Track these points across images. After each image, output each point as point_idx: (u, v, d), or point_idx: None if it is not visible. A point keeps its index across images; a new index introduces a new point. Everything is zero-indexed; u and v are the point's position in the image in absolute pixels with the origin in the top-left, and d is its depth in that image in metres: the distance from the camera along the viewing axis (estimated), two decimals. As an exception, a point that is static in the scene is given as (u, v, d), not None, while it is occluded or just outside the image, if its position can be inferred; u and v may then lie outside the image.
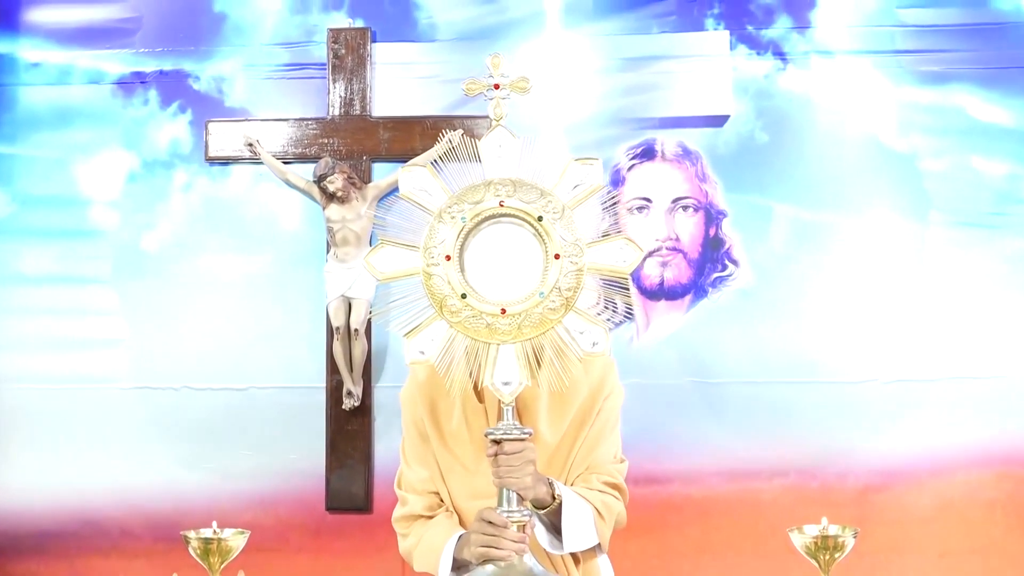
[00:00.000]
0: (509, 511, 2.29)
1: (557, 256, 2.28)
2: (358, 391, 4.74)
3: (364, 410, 4.78)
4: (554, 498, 2.37)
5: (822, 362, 4.76)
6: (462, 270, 2.30)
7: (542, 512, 2.39)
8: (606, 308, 2.32)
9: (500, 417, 2.31)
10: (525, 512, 2.30)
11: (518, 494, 2.29)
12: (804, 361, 4.76)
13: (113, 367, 4.91)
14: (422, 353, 2.28)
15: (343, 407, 4.75)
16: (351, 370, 4.73)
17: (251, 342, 4.87)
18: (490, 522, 2.28)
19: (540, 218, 2.30)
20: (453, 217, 2.31)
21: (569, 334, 2.27)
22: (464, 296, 2.28)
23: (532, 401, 2.46)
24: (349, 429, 4.79)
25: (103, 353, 4.91)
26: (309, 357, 4.85)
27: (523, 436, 2.29)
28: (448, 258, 2.30)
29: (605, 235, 2.33)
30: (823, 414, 4.74)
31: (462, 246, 2.31)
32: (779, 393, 4.74)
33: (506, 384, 2.27)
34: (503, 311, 2.27)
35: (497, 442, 2.29)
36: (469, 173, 2.34)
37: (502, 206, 2.31)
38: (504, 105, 2.36)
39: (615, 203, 2.40)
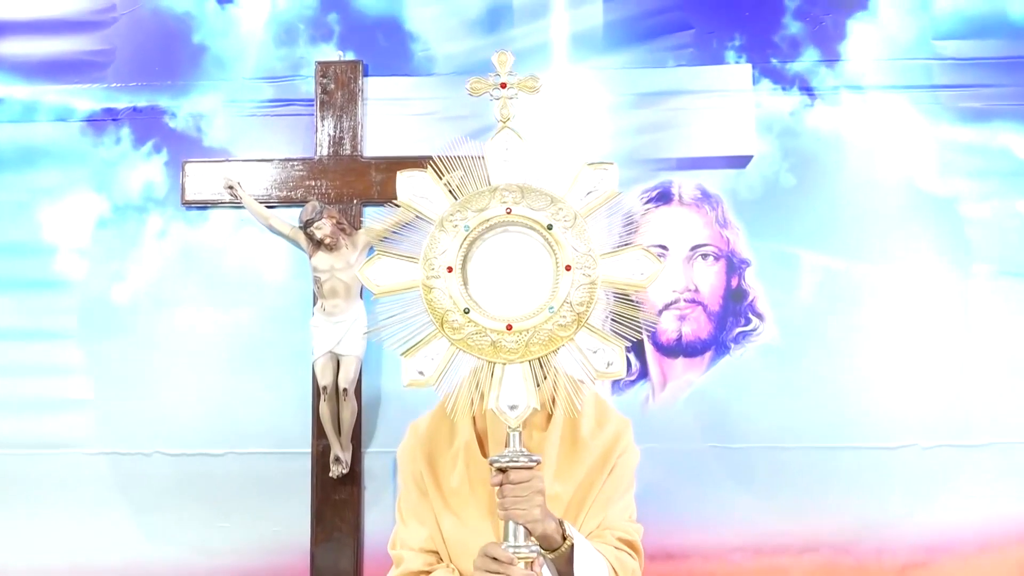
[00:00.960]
0: (515, 546, 2.24)
1: (568, 268, 2.26)
2: (347, 457, 4.66)
3: (353, 478, 4.70)
4: (564, 538, 2.31)
5: (856, 426, 4.69)
6: (465, 283, 2.29)
7: (550, 556, 2.33)
8: (615, 323, 2.28)
9: (506, 444, 2.28)
10: (533, 547, 2.25)
11: (525, 528, 2.24)
12: (836, 425, 4.69)
13: (78, 430, 4.84)
14: (421, 374, 2.26)
15: (330, 474, 4.68)
16: (339, 434, 4.66)
17: (230, 403, 4.80)
18: (494, 558, 2.23)
19: (550, 226, 2.28)
20: (455, 226, 2.30)
21: (581, 353, 2.24)
22: (467, 311, 2.27)
23: (541, 452, 2.40)
24: (337, 498, 4.71)
25: (67, 415, 4.84)
26: (293, 420, 4.78)
27: (531, 464, 2.25)
28: (450, 270, 2.29)
29: (623, 245, 2.30)
30: (858, 483, 4.67)
31: (465, 257, 2.30)
32: (809, 460, 4.68)
33: (512, 408, 2.24)
34: (509, 327, 2.26)
35: (502, 470, 2.25)
36: (474, 178, 2.33)
37: (509, 213, 2.30)
38: (511, 106, 2.34)
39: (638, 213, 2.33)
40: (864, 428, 4.68)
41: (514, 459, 2.24)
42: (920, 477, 4.65)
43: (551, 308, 2.24)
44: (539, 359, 2.24)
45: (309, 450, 4.73)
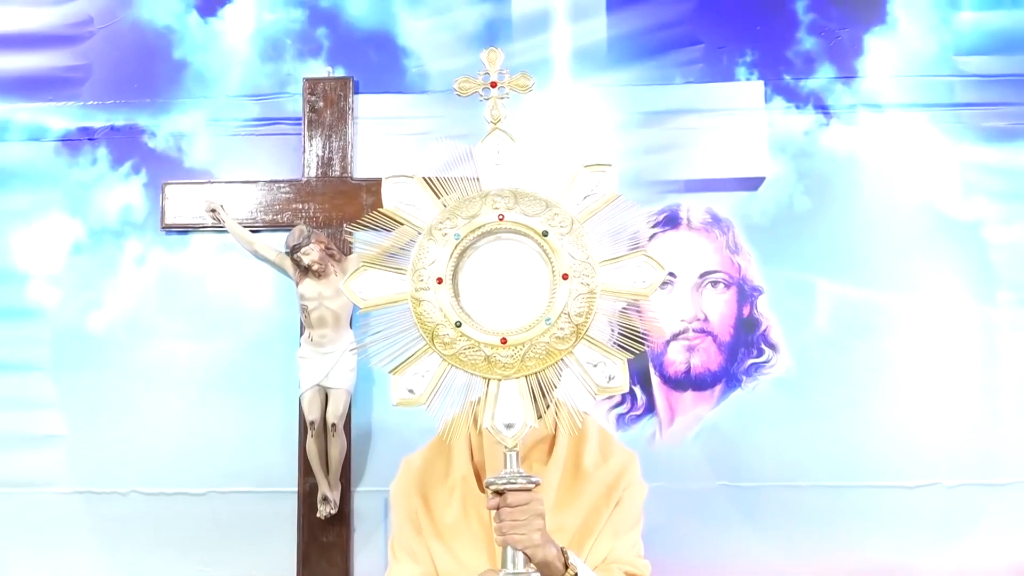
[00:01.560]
0: (514, 574, 2.21)
1: (565, 276, 2.24)
2: (335, 496, 4.63)
3: (342, 518, 4.66)
4: (566, 567, 2.30)
5: (874, 463, 4.65)
6: (456, 295, 2.27)
7: None
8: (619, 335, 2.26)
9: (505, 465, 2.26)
10: (533, 574, 2.23)
11: (524, 554, 2.21)
12: (853, 462, 4.65)
13: (50, 467, 4.81)
14: (411, 392, 2.25)
15: (318, 515, 4.63)
16: (327, 472, 4.62)
17: (211, 439, 4.77)
18: None
19: (545, 233, 2.26)
20: (445, 234, 2.28)
21: (581, 367, 2.22)
22: (459, 324, 2.25)
23: (542, 485, 2.38)
24: (324, 541, 4.66)
25: (39, 451, 4.81)
26: (279, 457, 4.75)
27: (529, 485, 2.23)
28: (440, 281, 2.27)
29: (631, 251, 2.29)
30: (876, 524, 4.62)
31: (456, 267, 2.28)
32: (824, 499, 4.64)
33: (509, 427, 2.21)
34: (504, 341, 2.23)
35: (499, 493, 2.23)
36: (463, 184, 2.31)
37: (502, 220, 2.27)
38: (502, 106, 2.33)
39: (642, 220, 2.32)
40: (883, 465, 4.64)
41: (512, 480, 2.22)
42: (943, 517, 4.60)
43: (548, 320, 2.22)
44: (536, 374, 2.22)
45: (295, 489, 4.69)
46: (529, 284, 2.25)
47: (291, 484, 4.69)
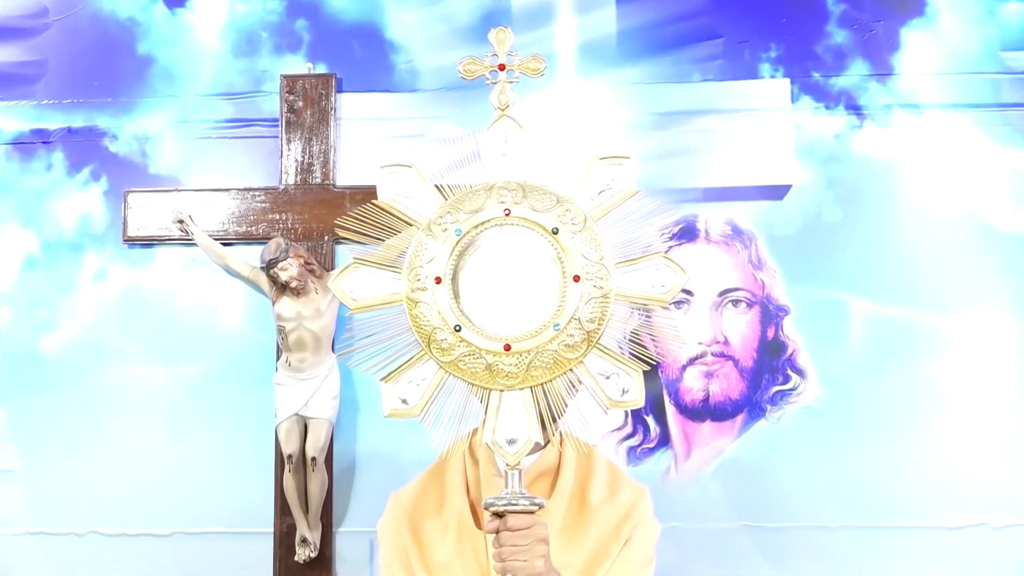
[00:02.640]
0: None
1: (577, 278, 2.20)
2: (315, 537, 4.59)
3: (323, 562, 4.63)
4: None
5: (913, 502, 4.61)
6: (456, 296, 2.23)
7: None
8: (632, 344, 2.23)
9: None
10: None
11: None
12: (890, 500, 4.61)
13: (0, 506, 4.78)
14: (404, 402, 2.21)
15: (296, 558, 4.59)
16: (306, 511, 4.59)
17: (178, 475, 4.74)
18: None
19: (555, 230, 2.22)
20: (445, 230, 2.24)
21: (592, 379, 2.18)
22: (458, 329, 2.21)
23: (544, 515, 2.33)
24: None
25: None
26: (253, 494, 4.71)
27: (532, 508, 2.18)
28: (438, 281, 2.23)
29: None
30: (915, 568, 4.57)
31: (456, 266, 2.24)
32: (857, 541, 4.59)
33: (511, 442, 2.17)
34: (507, 348, 2.19)
35: (499, 515, 2.19)
36: (466, 175, 2.29)
37: (508, 216, 2.24)
38: (511, 91, 2.30)
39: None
40: (923, 504, 4.61)
41: (513, 502, 2.17)
42: (989, 561, 4.56)
43: (556, 325, 2.18)
44: (543, 386, 2.18)
45: (271, 530, 4.67)
46: (536, 286, 2.22)
47: (267, 524, 4.66)
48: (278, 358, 4.64)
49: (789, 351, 4.71)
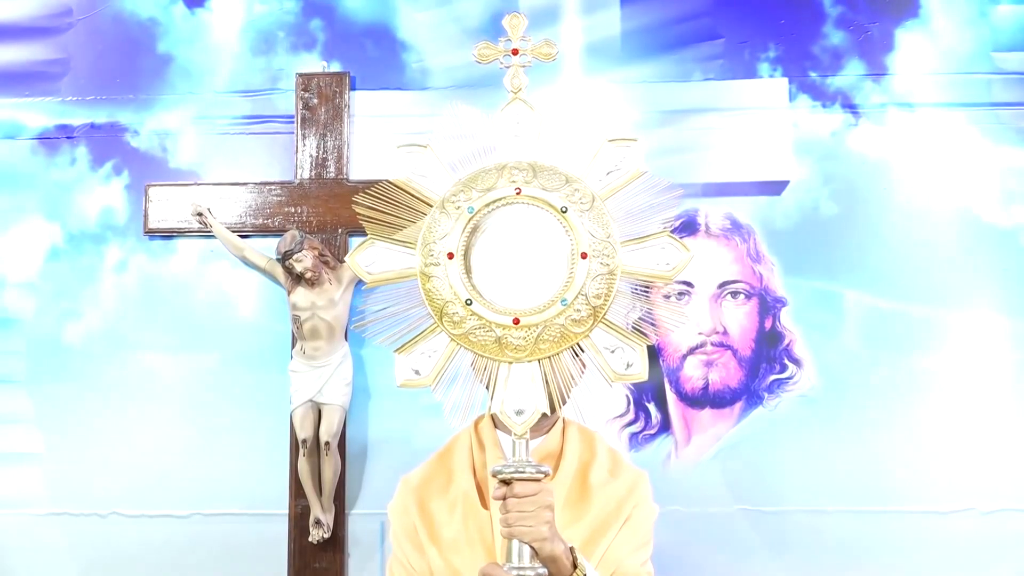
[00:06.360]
0: (520, 568, 2.21)
1: (584, 255, 2.24)
2: (328, 519, 4.64)
3: (336, 543, 4.68)
4: (575, 567, 2.28)
5: (906, 487, 4.65)
6: (468, 271, 2.27)
7: None
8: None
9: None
10: (540, 570, 2.22)
11: (531, 547, 2.21)
12: (883, 485, 4.66)
13: (26, 488, 4.82)
14: (416, 373, 2.25)
15: (310, 539, 4.64)
16: (320, 493, 4.64)
17: (196, 458, 4.78)
18: None
19: (564, 209, 2.26)
20: (458, 207, 2.28)
21: (598, 353, 2.22)
22: (469, 302, 2.25)
23: None
24: (317, 567, 4.68)
25: (14, 471, 4.82)
26: (268, 477, 4.75)
27: (538, 475, 2.22)
28: (451, 256, 2.27)
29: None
30: (907, 551, 4.62)
31: (468, 242, 2.28)
32: (852, 525, 4.64)
33: (519, 413, 2.21)
34: (516, 321, 2.23)
35: (506, 482, 2.22)
36: (479, 156, 2.32)
37: (518, 194, 2.28)
38: (523, 74, 2.34)
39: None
40: (915, 489, 4.65)
41: (520, 469, 2.21)
42: (979, 545, 4.60)
43: (564, 300, 2.22)
44: (550, 359, 2.21)
45: (286, 512, 4.71)
46: (545, 262, 2.25)
47: (282, 506, 4.71)
48: (293, 346, 4.68)
49: (786, 341, 4.74)
